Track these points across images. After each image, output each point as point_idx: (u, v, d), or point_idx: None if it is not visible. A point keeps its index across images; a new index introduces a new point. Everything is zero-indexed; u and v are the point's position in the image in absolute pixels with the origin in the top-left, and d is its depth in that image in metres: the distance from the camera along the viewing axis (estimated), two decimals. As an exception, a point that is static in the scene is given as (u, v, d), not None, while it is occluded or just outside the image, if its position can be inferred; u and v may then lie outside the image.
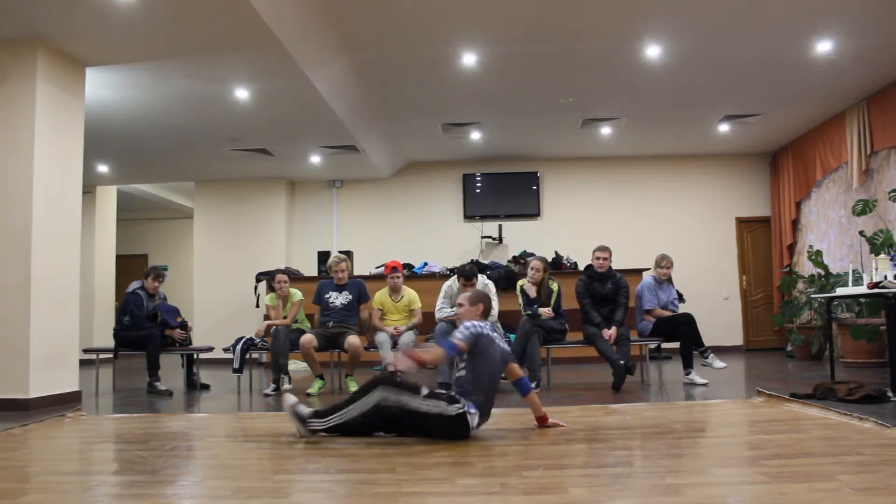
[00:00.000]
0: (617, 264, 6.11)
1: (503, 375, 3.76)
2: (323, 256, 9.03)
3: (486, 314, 3.83)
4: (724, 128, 8.73)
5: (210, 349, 6.62)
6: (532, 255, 8.90)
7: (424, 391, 3.38)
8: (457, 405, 3.37)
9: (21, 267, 4.96)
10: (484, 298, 3.88)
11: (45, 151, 5.13)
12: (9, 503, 2.41)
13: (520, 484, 2.60)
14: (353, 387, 5.69)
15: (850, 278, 5.75)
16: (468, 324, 3.58)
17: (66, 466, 3.23)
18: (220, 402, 5.55)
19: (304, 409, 3.50)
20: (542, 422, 3.77)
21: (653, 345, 6.33)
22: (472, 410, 3.43)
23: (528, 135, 9.04)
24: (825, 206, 8.72)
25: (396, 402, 3.33)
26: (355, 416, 3.41)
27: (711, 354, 5.90)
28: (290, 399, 3.55)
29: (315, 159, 9.16)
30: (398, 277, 6.17)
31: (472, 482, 2.66)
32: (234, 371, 6.06)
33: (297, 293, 6.43)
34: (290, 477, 2.78)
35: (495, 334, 3.67)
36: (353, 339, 5.77)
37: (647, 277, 6.42)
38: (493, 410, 4.52)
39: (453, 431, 3.40)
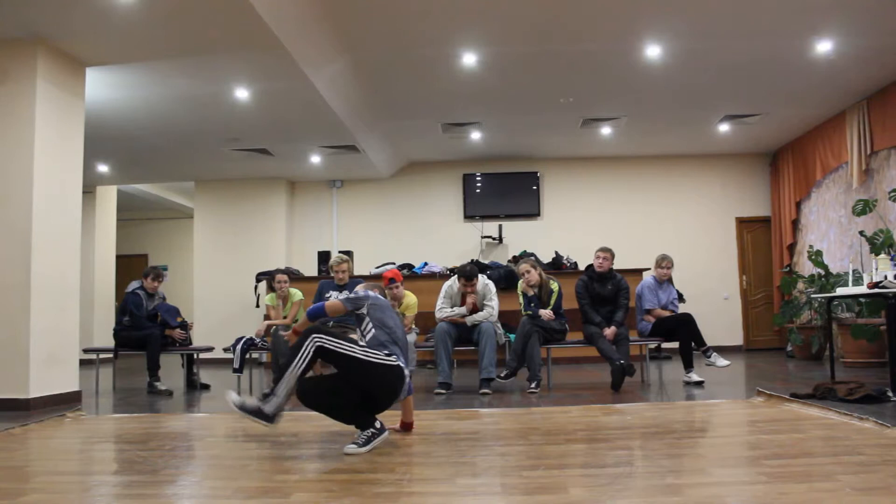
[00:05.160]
0: (617, 264, 6.11)
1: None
2: (323, 256, 9.03)
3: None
4: (724, 128, 8.73)
5: (210, 349, 6.62)
6: (532, 255, 8.91)
7: (361, 342, 3.31)
8: (393, 357, 3.31)
9: (21, 267, 4.95)
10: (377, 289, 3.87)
11: (45, 151, 5.13)
12: (9, 503, 2.41)
13: (520, 484, 2.60)
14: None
15: (850, 278, 5.75)
16: (356, 291, 3.64)
17: (66, 466, 3.23)
18: (220, 402, 5.54)
19: (251, 402, 3.21)
20: (408, 428, 3.65)
21: (653, 345, 6.33)
22: (403, 364, 3.35)
23: (528, 135, 9.04)
24: (825, 206, 8.72)
25: (334, 347, 3.18)
26: (300, 375, 3.19)
27: (714, 353, 5.90)
28: (231, 397, 3.24)
29: (315, 159, 9.16)
30: (397, 287, 5.88)
31: (472, 482, 2.66)
32: (234, 371, 6.06)
33: (297, 293, 6.43)
34: (290, 477, 2.78)
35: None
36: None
37: (648, 277, 6.43)
38: (493, 411, 4.52)
39: (392, 383, 3.29)
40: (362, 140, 8.24)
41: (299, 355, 3.16)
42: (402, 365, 3.34)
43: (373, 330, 3.43)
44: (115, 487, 2.70)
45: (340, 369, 3.25)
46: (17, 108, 5.08)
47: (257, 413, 3.18)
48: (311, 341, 3.17)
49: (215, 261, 10.05)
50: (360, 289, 3.80)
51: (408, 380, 3.52)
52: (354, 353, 3.21)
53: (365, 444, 3.17)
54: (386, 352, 3.32)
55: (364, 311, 3.49)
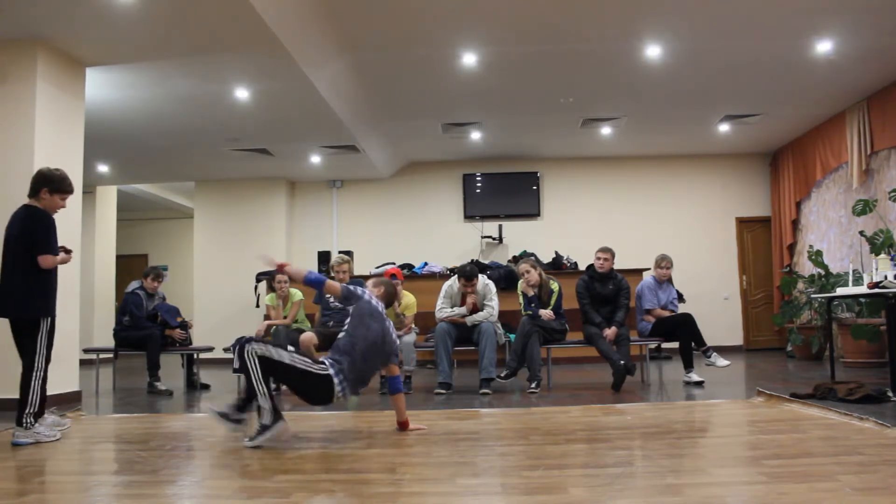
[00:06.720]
0: (617, 264, 6.11)
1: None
2: (323, 256, 9.03)
3: (385, 299, 3.89)
4: (724, 128, 8.73)
5: (210, 349, 6.61)
6: (532, 255, 8.92)
7: (290, 349, 3.50)
8: (321, 366, 3.44)
9: (21, 267, 4.94)
10: (387, 284, 3.99)
11: (45, 151, 5.12)
12: (9, 503, 2.41)
13: (520, 484, 2.60)
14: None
15: (851, 278, 5.74)
16: (361, 288, 3.77)
17: (66, 466, 3.23)
18: (220, 402, 5.53)
19: (227, 410, 3.54)
20: (403, 426, 3.74)
21: (653, 345, 6.33)
22: (336, 377, 3.44)
23: (528, 135, 9.04)
24: (825, 206, 8.72)
25: (264, 352, 3.40)
26: (268, 385, 3.41)
27: (714, 353, 5.90)
28: (210, 407, 3.63)
29: (315, 159, 9.16)
30: (398, 285, 5.86)
31: (472, 482, 2.66)
32: (235, 371, 6.02)
33: (296, 293, 6.43)
34: (290, 477, 2.78)
35: (388, 324, 3.74)
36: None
37: (648, 277, 6.43)
38: (493, 411, 4.51)
39: (318, 391, 3.45)
40: (362, 140, 8.24)
41: (250, 370, 3.37)
42: (330, 374, 3.43)
43: (342, 332, 3.63)
44: (115, 487, 2.70)
45: (275, 371, 3.46)
46: (17, 108, 5.08)
47: (265, 428, 3.35)
48: (249, 352, 3.38)
49: (215, 261, 10.05)
50: (364, 289, 3.85)
51: (396, 376, 3.77)
52: (282, 359, 3.41)
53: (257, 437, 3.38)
54: (321, 364, 3.45)
55: (350, 308, 3.69)
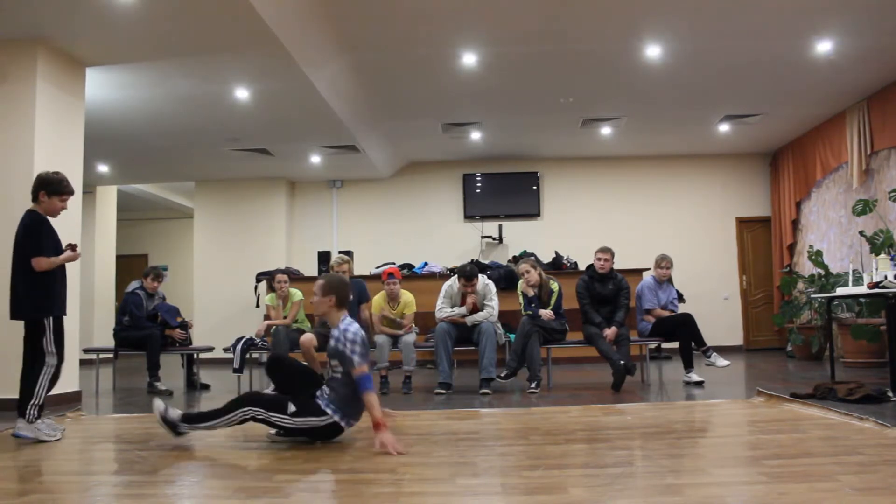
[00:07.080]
0: (617, 264, 6.11)
1: None
2: (323, 256, 9.02)
3: (340, 304, 3.43)
4: (724, 128, 8.73)
5: (210, 349, 6.61)
6: (532, 255, 8.92)
7: (291, 408, 3.32)
8: (325, 417, 3.33)
9: (21, 267, 4.94)
10: (337, 287, 3.43)
11: (45, 151, 5.12)
12: (9, 503, 2.41)
13: (520, 484, 2.60)
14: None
15: (851, 278, 5.74)
16: (350, 337, 3.29)
17: (66, 466, 3.23)
18: (219, 401, 5.51)
19: (174, 414, 3.47)
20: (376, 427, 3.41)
21: (653, 345, 6.33)
22: (342, 420, 3.37)
23: (528, 135, 9.04)
24: (825, 206, 8.72)
25: (265, 418, 3.33)
26: (222, 428, 3.42)
27: (714, 353, 5.90)
28: (158, 406, 3.49)
29: (315, 159, 9.16)
30: (395, 284, 5.89)
31: (472, 482, 2.66)
32: (235, 371, 6.06)
33: (297, 293, 6.43)
34: (290, 477, 2.78)
35: (359, 331, 3.40)
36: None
37: (647, 277, 6.43)
38: (493, 411, 4.52)
39: (326, 436, 3.42)
40: (362, 140, 8.24)
41: (228, 418, 3.36)
42: (335, 421, 3.35)
43: (338, 375, 3.41)
44: (115, 487, 2.70)
45: (281, 431, 3.44)
46: (17, 108, 5.08)
47: (173, 427, 3.45)
48: (240, 413, 3.34)
49: (215, 261, 10.05)
50: (347, 328, 3.38)
51: (366, 375, 3.37)
52: (283, 423, 3.35)
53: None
54: (325, 414, 3.32)
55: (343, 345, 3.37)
